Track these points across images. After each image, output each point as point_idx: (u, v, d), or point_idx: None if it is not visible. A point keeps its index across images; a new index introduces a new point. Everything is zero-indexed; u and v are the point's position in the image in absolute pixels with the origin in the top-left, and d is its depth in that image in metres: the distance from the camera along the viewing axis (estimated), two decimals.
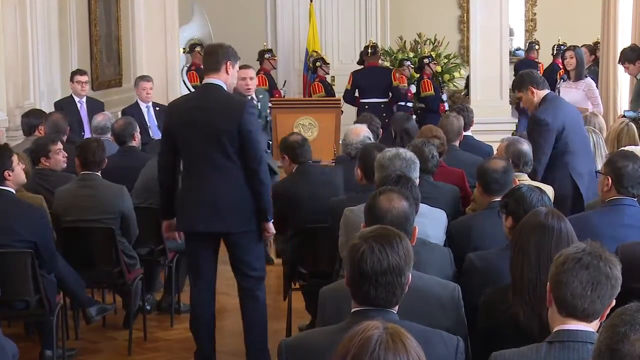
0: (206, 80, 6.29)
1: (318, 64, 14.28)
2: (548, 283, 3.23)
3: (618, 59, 11.07)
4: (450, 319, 3.97)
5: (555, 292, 3.19)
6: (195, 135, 6.13)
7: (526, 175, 6.51)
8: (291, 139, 7.16)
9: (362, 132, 7.51)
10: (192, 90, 13.44)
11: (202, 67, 13.48)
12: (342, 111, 12.90)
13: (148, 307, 7.82)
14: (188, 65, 14.11)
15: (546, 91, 7.36)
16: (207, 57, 6.35)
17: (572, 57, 10.83)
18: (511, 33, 17.39)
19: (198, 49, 13.95)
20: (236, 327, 7.33)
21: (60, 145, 7.65)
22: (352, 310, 3.35)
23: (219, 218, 6.18)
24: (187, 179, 6.28)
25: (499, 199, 5.39)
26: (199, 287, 6.43)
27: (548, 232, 3.97)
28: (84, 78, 10.72)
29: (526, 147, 6.56)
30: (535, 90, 7.26)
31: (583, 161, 7.17)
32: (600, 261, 3.14)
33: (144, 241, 7.55)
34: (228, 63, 6.26)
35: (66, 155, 7.64)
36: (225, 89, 6.28)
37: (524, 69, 8.46)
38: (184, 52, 14.13)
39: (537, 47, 15.44)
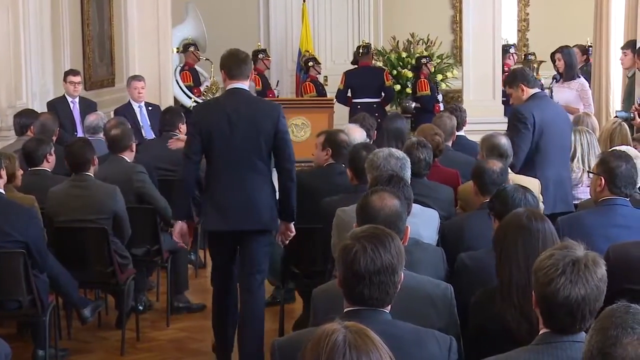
0: (235, 85, 6.43)
1: (310, 63, 14.26)
2: (534, 294, 3.19)
3: (623, 45, 11.09)
4: (443, 318, 3.98)
5: (542, 309, 3.15)
6: (234, 135, 6.30)
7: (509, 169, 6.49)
8: (340, 137, 7.04)
9: (362, 133, 7.58)
10: (185, 90, 13.45)
11: (195, 67, 13.65)
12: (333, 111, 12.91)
13: (141, 307, 7.81)
14: (182, 65, 14.10)
15: (536, 90, 7.35)
16: (240, 63, 6.45)
17: (560, 60, 10.84)
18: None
19: (192, 49, 13.93)
20: None
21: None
22: (344, 310, 3.35)
23: (255, 216, 6.35)
24: (219, 178, 6.37)
25: None
26: (223, 285, 6.58)
27: (534, 235, 3.99)
28: (77, 78, 10.69)
29: (502, 140, 6.55)
30: (525, 88, 7.24)
31: (554, 166, 7.13)
32: (589, 278, 3.07)
33: (139, 241, 7.55)
34: (252, 71, 6.63)
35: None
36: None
37: None
38: (177, 52, 14.11)
39: (512, 50, 14.48)
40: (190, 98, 13.25)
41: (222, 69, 6.49)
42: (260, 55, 13.94)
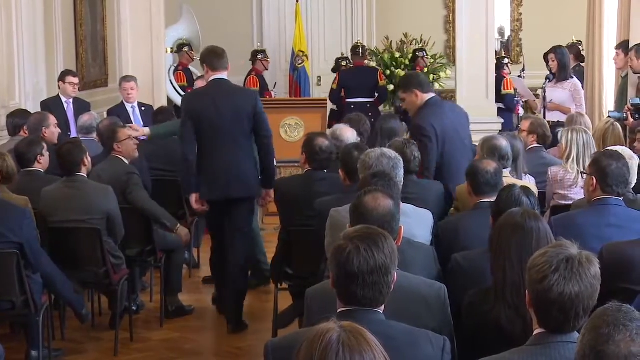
0: (217, 75, 7.52)
1: (344, 64, 14.29)
2: (527, 292, 3.20)
3: (617, 45, 11.10)
4: (437, 319, 3.97)
5: (536, 307, 3.16)
6: (222, 117, 7.39)
7: (507, 172, 6.48)
8: (316, 142, 7.02)
9: (353, 133, 7.58)
10: (179, 90, 13.46)
11: (189, 67, 13.66)
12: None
13: (134, 308, 7.81)
14: (175, 65, 14.10)
15: (430, 95, 7.32)
16: (219, 57, 7.54)
17: (553, 61, 10.86)
18: (502, 31, 17.44)
19: (186, 49, 13.94)
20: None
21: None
22: (338, 311, 3.35)
23: (244, 185, 7.52)
24: (210, 156, 7.45)
25: (486, 200, 5.42)
26: (219, 242, 7.77)
27: (528, 233, 3.99)
28: (76, 79, 10.65)
29: (502, 142, 6.55)
30: (419, 93, 7.22)
31: (461, 173, 7.10)
32: (584, 275, 3.08)
33: (133, 242, 7.55)
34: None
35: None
36: None
37: None
38: (171, 52, 14.12)
39: (507, 62, 14.39)
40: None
41: (204, 63, 7.60)
42: (260, 56, 13.99)
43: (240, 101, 7.48)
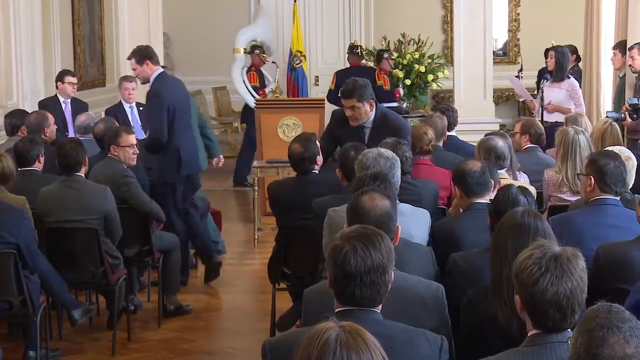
0: (161, 69, 8.50)
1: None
2: (519, 296, 3.21)
3: (614, 45, 11.10)
4: (434, 318, 3.98)
5: (531, 310, 3.16)
6: (186, 103, 8.56)
7: (504, 172, 6.48)
8: (291, 148, 6.96)
9: None
10: (251, 90, 13.92)
11: (260, 69, 14.08)
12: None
13: (132, 308, 7.81)
14: (248, 65, 14.26)
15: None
16: (154, 55, 8.44)
17: (551, 58, 10.86)
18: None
19: (257, 51, 14.18)
20: (225, 326, 7.36)
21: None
22: (335, 311, 3.35)
23: (200, 163, 8.87)
24: (184, 136, 8.42)
25: (480, 201, 5.41)
26: (179, 213, 8.58)
27: (524, 231, 3.99)
28: (75, 79, 10.65)
29: (498, 142, 6.53)
30: (373, 103, 7.21)
31: None
32: (573, 270, 3.10)
33: (130, 242, 7.54)
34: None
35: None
36: None
37: None
38: (244, 53, 14.42)
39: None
40: (254, 98, 13.43)
41: (147, 59, 8.34)
42: (356, 50, 14.13)
43: (186, 90, 8.79)
